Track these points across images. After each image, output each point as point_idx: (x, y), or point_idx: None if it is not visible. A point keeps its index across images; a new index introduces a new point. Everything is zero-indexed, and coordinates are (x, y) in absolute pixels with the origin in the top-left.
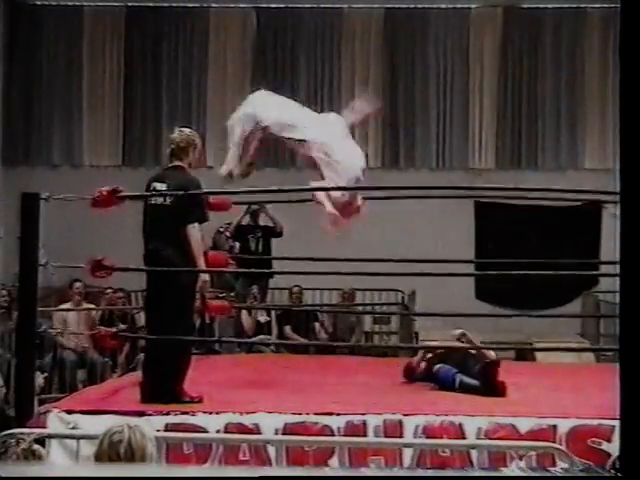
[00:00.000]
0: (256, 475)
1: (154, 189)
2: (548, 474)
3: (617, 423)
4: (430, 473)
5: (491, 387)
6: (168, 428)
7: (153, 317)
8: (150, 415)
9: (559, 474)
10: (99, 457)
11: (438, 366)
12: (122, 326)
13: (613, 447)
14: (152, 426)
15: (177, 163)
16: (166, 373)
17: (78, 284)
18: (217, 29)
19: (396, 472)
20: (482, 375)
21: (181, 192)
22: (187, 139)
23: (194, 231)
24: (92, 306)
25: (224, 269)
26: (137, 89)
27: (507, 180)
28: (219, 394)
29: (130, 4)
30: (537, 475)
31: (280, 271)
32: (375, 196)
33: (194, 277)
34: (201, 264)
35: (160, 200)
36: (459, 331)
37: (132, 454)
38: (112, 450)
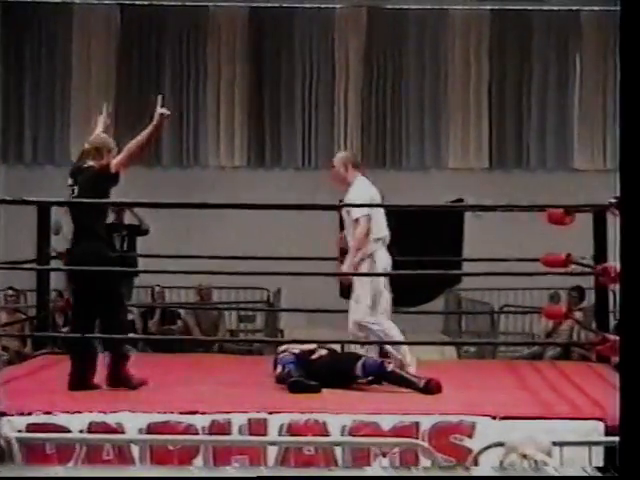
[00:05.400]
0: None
1: (68, 186)
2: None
3: (475, 419)
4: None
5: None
6: (30, 429)
7: None
8: (11, 416)
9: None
10: None
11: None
12: None
13: (474, 443)
14: (13, 427)
15: (90, 162)
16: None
17: None
18: (81, 26)
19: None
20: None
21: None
22: (102, 141)
23: None
24: None
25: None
26: None
27: (372, 179)
28: (82, 393)
29: None
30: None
31: (139, 269)
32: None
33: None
34: None
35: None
36: None
37: None
38: None
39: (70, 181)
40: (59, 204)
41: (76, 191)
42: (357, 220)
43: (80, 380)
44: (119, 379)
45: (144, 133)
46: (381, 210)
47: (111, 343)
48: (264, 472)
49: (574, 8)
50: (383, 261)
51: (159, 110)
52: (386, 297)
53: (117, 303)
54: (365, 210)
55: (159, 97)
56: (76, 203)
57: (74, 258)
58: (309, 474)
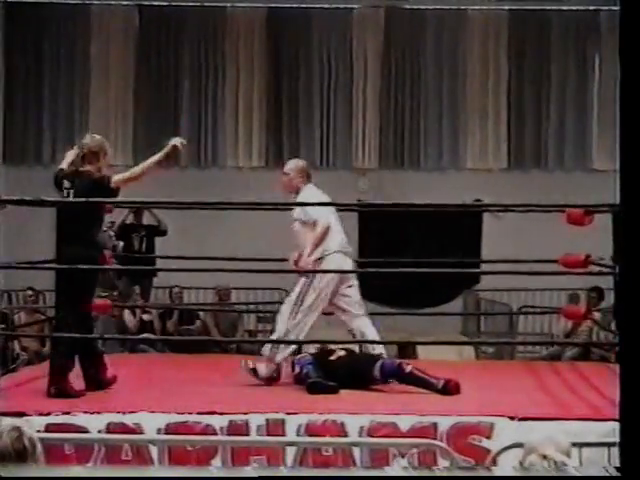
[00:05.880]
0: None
1: (63, 189)
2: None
3: (494, 420)
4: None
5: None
6: (49, 429)
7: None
8: (30, 416)
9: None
10: None
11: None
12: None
13: (493, 444)
14: (32, 427)
15: (88, 167)
16: (53, 368)
17: None
18: (99, 27)
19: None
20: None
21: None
22: (99, 144)
23: None
24: None
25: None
26: (18, 87)
27: (390, 180)
28: (101, 393)
29: None
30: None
31: (158, 268)
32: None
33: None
34: None
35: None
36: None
37: (11, 455)
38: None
39: (66, 184)
40: (79, 204)
41: (71, 195)
42: (315, 222)
43: (94, 380)
44: (61, 390)
45: (152, 160)
46: (336, 220)
47: (59, 351)
48: (284, 472)
49: (592, 8)
50: (336, 264)
51: (173, 142)
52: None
53: (81, 313)
54: (323, 211)
55: (178, 140)
56: (71, 205)
57: (61, 260)
58: (320, 474)
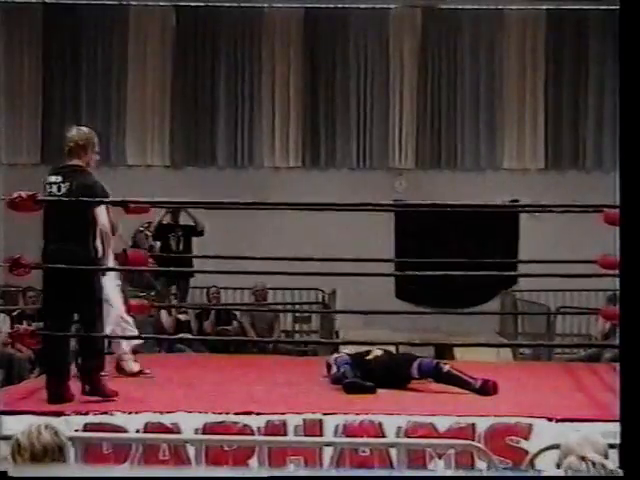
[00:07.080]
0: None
1: (50, 184)
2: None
3: (532, 421)
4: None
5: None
6: (87, 428)
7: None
8: (69, 415)
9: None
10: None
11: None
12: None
13: (530, 445)
14: (71, 426)
15: (77, 162)
16: (86, 370)
17: None
18: (136, 28)
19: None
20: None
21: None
22: (87, 137)
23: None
24: None
25: (144, 267)
26: (56, 86)
27: (427, 180)
28: (139, 393)
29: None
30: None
31: (196, 269)
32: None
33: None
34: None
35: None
36: None
37: (54, 451)
38: (31, 450)
39: (55, 178)
40: (113, 204)
41: (63, 189)
42: None
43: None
44: (95, 388)
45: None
46: None
47: (90, 351)
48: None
49: None
50: None
51: None
52: None
53: (98, 310)
54: None
55: None
56: (71, 204)
57: (56, 257)
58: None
